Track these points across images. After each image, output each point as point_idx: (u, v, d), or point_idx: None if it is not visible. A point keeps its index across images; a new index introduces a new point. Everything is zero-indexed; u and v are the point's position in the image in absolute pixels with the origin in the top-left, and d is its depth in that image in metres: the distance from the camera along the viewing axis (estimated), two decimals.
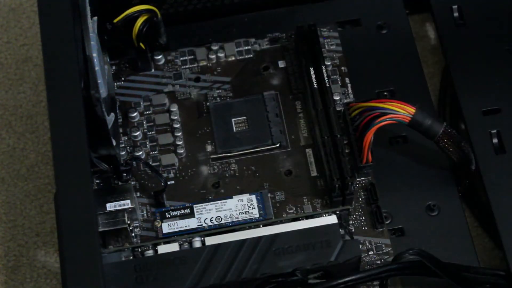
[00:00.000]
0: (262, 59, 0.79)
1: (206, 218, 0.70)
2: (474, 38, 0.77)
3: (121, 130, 0.76)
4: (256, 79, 0.78)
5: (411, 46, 0.79)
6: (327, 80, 0.74)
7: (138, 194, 0.73)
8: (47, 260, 0.78)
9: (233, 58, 0.79)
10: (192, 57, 0.79)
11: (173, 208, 0.71)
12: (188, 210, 0.71)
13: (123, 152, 0.75)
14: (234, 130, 0.75)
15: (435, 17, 0.79)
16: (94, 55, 0.66)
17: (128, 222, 0.70)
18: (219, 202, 0.71)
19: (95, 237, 0.58)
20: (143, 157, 0.74)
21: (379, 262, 0.70)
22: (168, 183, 0.73)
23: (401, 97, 0.74)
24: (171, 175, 0.74)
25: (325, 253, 0.66)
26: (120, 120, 0.76)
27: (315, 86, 0.74)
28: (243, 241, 0.67)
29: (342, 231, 0.68)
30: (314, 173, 0.73)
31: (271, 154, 0.74)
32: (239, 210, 0.71)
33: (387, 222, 0.72)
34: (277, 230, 0.68)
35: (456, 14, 0.79)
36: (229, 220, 0.70)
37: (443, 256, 0.67)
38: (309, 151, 0.74)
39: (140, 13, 0.75)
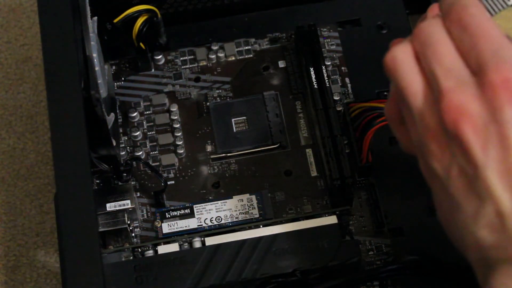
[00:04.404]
0: (262, 59, 0.79)
1: (206, 218, 0.70)
2: None
3: (121, 130, 0.76)
4: (256, 79, 0.78)
5: None
6: (327, 80, 0.74)
7: (138, 194, 0.73)
8: (47, 260, 0.78)
9: (233, 58, 0.79)
10: (192, 57, 0.79)
11: (173, 208, 0.71)
12: (188, 210, 0.71)
13: (123, 152, 0.75)
14: (234, 130, 0.75)
15: None
16: (94, 55, 0.66)
17: (128, 222, 0.70)
18: (219, 202, 0.71)
19: (95, 237, 0.58)
20: (143, 157, 0.74)
21: (379, 262, 0.70)
22: (168, 183, 0.73)
23: None
24: (171, 175, 0.74)
25: (325, 253, 0.66)
26: (120, 120, 0.76)
27: (315, 86, 0.74)
28: (243, 241, 0.67)
29: (342, 231, 0.68)
30: (314, 173, 0.73)
31: (271, 154, 0.74)
32: (239, 210, 0.71)
33: (387, 222, 0.72)
34: (277, 230, 0.68)
35: None
36: (229, 220, 0.70)
37: (443, 256, 0.67)
38: (309, 151, 0.74)
39: (140, 13, 0.75)
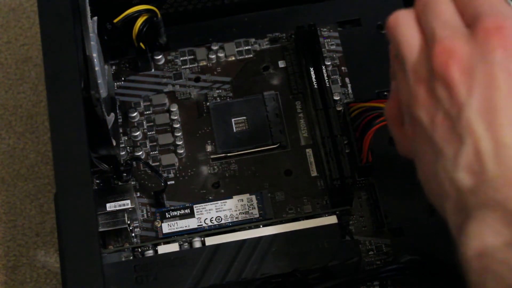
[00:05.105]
0: (262, 59, 0.79)
1: (206, 218, 0.70)
2: None
3: (121, 130, 0.76)
4: (256, 79, 0.78)
5: None
6: (327, 80, 0.74)
7: (138, 194, 0.73)
8: (47, 260, 0.78)
9: (233, 58, 0.79)
10: (192, 57, 0.79)
11: (173, 208, 0.71)
12: (188, 210, 0.71)
13: (123, 152, 0.75)
14: (234, 130, 0.75)
15: None
16: (94, 55, 0.66)
17: (128, 222, 0.70)
18: (219, 202, 0.71)
19: (95, 237, 0.58)
20: (143, 157, 0.74)
21: (379, 262, 0.70)
22: (168, 183, 0.73)
23: None
24: (171, 175, 0.74)
25: (325, 253, 0.66)
26: (120, 120, 0.76)
27: (315, 86, 0.74)
28: (243, 241, 0.67)
29: (342, 231, 0.68)
30: (314, 173, 0.73)
31: (271, 154, 0.74)
32: (239, 210, 0.71)
33: (387, 222, 0.72)
34: (277, 230, 0.68)
35: None
36: (229, 220, 0.70)
37: (443, 256, 0.67)
38: (309, 151, 0.74)
39: (140, 13, 0.75)
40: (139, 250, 0.69)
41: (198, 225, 0.70)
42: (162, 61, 0.79)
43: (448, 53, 0.47)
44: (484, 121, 0.46)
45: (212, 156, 0.74)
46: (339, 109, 0.74)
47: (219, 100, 0.77)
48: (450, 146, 0.47)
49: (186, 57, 0.79)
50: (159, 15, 0.75)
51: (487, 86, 0.46)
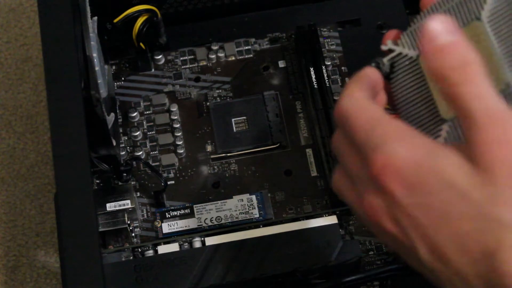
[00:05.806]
0: (262, 59, 0.79)
1: (206, 218, 0.70)
2: None
3: (121, 130, 0.76)
4: (256, 79, 0.78)
5: None
6: (327, 80, 0.74)
7: (138, 194, 0.73)
8: (47, 260, 0.78)
9: (233, 58, 0.79)
10: (192, 57, 0.79)
11: (173, 208, 0.71)
12: (188, 210, 0.71)
13: (123, 152, 0.75)
14: (234, 130, 0.75)
15: None
16: (94, 55, 0.66)
17: (128, 222, 0.70)
18: (219, 202, 0.71)
19: (95, 237, 0.58)
20: (143, 157, 0.74)
21: (379, 262, 0.70)
22: (168, 183, 0.73)
23: None
24: (171, 175, 0.74)
25: (325, 253, 0.66)
26: (120, 120, 0.76)
27: (315, 86, 0.74)
28: (243, 241, 0.67)
29: (342, 231, 0.68)
30: (314, 173, 0.73)
31: (271, 154, 0.74)
32: (239, 210, 0.71)
33: None
34: (277, 230, 0.68)
35: None
36: (229, 220, 0.70)
37: None
38: (309, 151, 0.74)
39: (140, 13, 0.75)
40: (139, 250, 0.69)
41: (198, 225, 0.70)
42: (162, 61, 0.79)
43: (375, 212, 0.47)
44: (439, 262, 0.46)
45: (212, 156, 0.74)
46: None
47: (219, 100, 0.77)
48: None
49: (186, 57, 0.79)
50: (159, 15, 0.75)
51: (417, 229, 0.45)
